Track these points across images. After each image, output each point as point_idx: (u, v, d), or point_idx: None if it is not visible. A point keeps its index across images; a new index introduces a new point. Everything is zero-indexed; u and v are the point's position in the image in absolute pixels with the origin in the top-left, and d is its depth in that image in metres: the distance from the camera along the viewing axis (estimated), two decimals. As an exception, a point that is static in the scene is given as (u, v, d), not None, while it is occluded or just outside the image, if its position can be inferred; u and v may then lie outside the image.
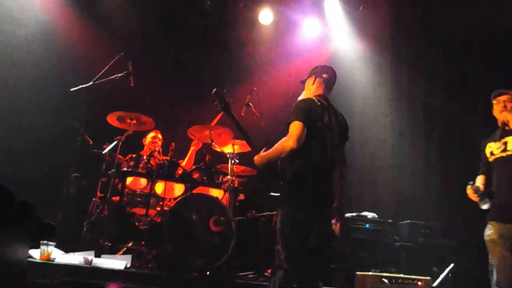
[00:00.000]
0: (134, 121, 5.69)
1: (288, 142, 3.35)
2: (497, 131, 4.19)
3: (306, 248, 3.35)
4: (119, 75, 5.51)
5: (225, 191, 5.70)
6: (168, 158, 5.72)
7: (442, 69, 7.27)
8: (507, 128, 4.06)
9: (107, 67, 5.45)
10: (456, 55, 7.04)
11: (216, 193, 5.86)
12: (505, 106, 4.07)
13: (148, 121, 5.79)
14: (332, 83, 3.81)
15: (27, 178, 5.80)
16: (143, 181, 5.76)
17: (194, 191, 5.68)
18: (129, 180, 5.71)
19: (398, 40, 7.30)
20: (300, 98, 3.73)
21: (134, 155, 5.71)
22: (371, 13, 6.87)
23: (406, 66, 7.38)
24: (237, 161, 5.87)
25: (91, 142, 5.62)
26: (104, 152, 5.45)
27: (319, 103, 3.56)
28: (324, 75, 3.77)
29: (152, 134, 6.30)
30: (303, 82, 3.88)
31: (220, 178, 5.83)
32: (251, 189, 6.26)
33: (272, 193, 3.53)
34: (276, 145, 3.46)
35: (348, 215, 5.97)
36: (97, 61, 5.87)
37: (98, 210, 5.27)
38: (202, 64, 7.56)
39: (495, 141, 4.15)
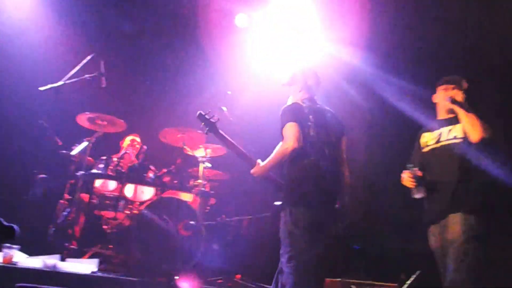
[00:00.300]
0: (105, 123, 5.61)
1: (288, 144, 3.41)
2: (434, 121, 3.94)
3: (312, 253, 3.37)
4: (91, 75, 5.40)
5: (196, 195, 5.66)
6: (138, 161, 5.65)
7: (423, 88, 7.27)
8: (451, 116, 3.75)
9: (78, 67, 5.34)
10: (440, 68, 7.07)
11: (186, 197, 5.80)
12: (453, 97, 3.70)
13: (119, 122, 5.71)
14: (315, 84, 3.88)
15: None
16: (113, 184, 5.68)
17: (164, 195, 5.62)
18: (98, 182, 5.63)
19: (375, 47, 7.30)
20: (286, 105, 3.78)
21: (104, 157, 5.63)
22: (348, 20, 6.88)
23: (385, 79, 7.38)
24: (209, 165, 5.85)
25: (60, 143, 5.52)
26: (73, 153, 5.35)
27: (304, 105, 3.62)
28: (308, 82, 3.84)
29: (130, 137, 6.22)
30: (289, 85, 3.92)
31: (191, 182, 5.78)
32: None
33: (276, 203, 3.55)
34: (275, 151, 3.52)
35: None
36: (69, 61, 5.76)
37: (65, 213, 5.17)
38: (175, 66, 7.49)
39: (431, 131, 3.88)
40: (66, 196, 5.39)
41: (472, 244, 3.37)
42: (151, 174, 5.64)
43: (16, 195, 5.54)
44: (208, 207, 5.86)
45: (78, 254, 4.86)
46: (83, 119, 5.64)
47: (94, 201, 5.42)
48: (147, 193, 5.73)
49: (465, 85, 3.83)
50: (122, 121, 5.70)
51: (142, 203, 5.59)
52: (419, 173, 3.64)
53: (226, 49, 7.17)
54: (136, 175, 5.54)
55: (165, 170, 5.74)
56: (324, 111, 3.73)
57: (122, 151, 5.93)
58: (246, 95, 6.94)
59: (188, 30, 7.11)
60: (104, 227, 5.42)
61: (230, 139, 3.84)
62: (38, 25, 6.47)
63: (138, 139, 6.23)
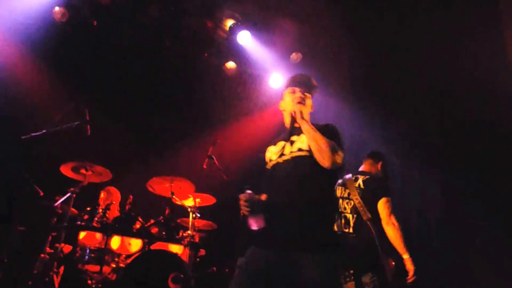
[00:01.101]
0: (90, 172, 5.41)
1: None
2: (281, 133, 3.26)
3: None
4: (75, 123, 5.23)
5: (185, 246, 5.42)
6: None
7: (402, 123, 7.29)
8: (296, 125, 3.08)
9: (61, 115, 5.18)
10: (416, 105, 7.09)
11: (175, 248, 5.56)
12: (301, 100, 3.12)
13: (104, 172, 5.51)
14: None
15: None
16: (98, 236, 5.43)
17: (152, 247, 5.37)
18: (82, 234, 5.37)
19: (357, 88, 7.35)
20: None
21: (88, 208, 5.39)
22: (331, 64, 6.92)
23: (364, 116, 7.38)
24: (198, 215, 5.64)
25: (42, 194, 5.27)
26: (56, 204, 5.11)
27: None
28: None
29: (103, 193, 5.98)
30: None
31: (180, 233, 5.55)
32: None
33: None
34: None
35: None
36: (53, 109, 5.62)
37: (46, 267, 4.87)
38: (163, 114, 7.38)
39: (275, 144, 3.21)
40: (48, 249, 5.10)
41: None
42: (138, 226, 5.40)
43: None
44: (198, 259, 5.60)
45: (58, 312, 4.55)
46: (67, 169, 5.43)
47: (78, 254, 5.13)
48: (134, 245, 5.48)
49: (313, 84, 3.26)
50: (108, 170, 5.50)
51: (129, 255, 5.32)
52: (256, 197, 2.78)
53: (215, 96, 7.13)
54: (122, 227, 5.30)
55: (153, 221, 5.51)
56: None
57: (101, 203, 5.70)
58: (235, 144, 6.87)
59: (177, 77, 7.05)
60: (89, 282, 5.10)
61: None
62: (22, 73, 6.35)
63: (111, 191, 5.99)
